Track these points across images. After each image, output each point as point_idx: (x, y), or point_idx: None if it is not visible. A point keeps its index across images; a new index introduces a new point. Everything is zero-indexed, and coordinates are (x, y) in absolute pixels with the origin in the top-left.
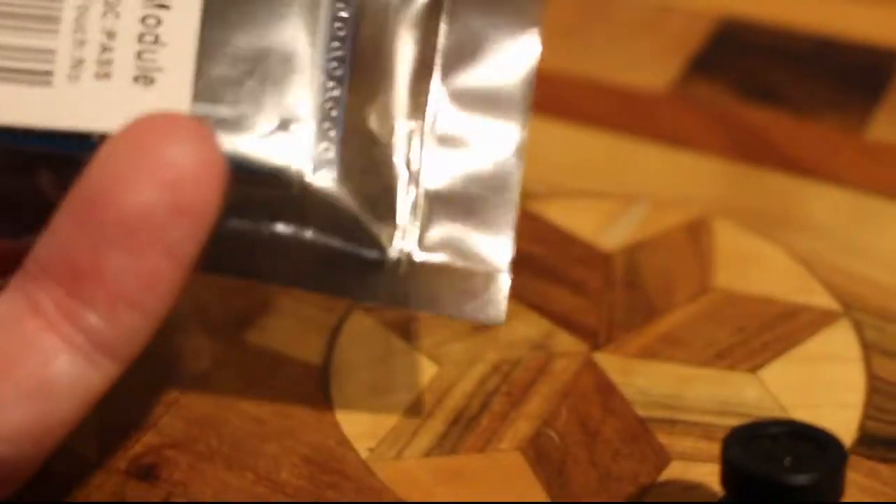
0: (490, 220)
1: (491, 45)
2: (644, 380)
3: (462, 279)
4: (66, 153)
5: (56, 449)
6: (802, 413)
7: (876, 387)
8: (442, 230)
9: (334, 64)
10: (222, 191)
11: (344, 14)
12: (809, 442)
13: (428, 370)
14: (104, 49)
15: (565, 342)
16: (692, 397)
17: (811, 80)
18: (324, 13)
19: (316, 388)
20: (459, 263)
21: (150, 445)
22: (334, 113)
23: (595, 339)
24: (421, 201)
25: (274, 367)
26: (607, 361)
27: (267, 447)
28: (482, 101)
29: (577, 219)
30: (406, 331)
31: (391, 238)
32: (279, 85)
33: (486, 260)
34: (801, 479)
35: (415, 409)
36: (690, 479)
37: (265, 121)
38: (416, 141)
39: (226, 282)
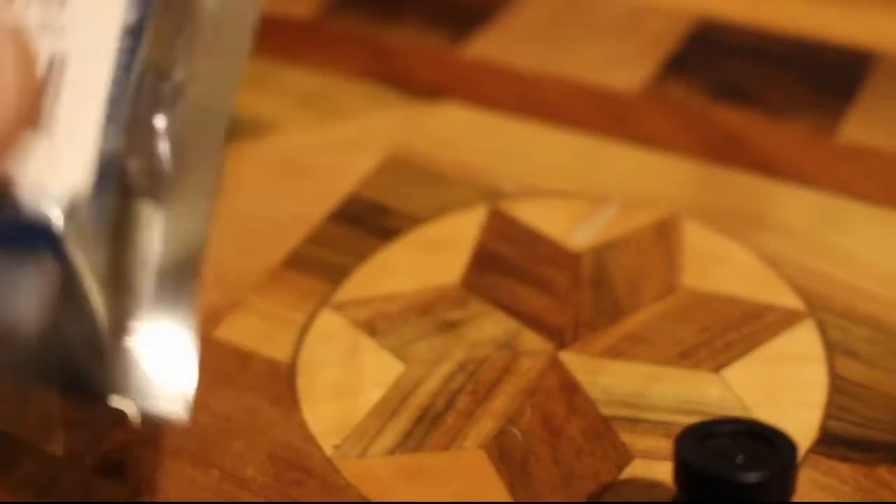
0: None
1: None
2: (609, 379)
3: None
4: None
5: None
6: (765, 412)
7: (838, 386)
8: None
9: None
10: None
11: None
12: (762, 441)
13: (394, 368)
14: None
15: (531, 341)
16: (656, 396)
17: (785, 81)
18: None
19: (283, 385)
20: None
21: (118, 442)
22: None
23: (561, 338)
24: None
25: (242, 364)
26: (572, 360)
27: (233, 444)
28: None
29: (546, 218)
30: (373, 329)
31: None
32: None
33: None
34: (751, 476)
35: (380, 407)
36: (651, 477)
37: None
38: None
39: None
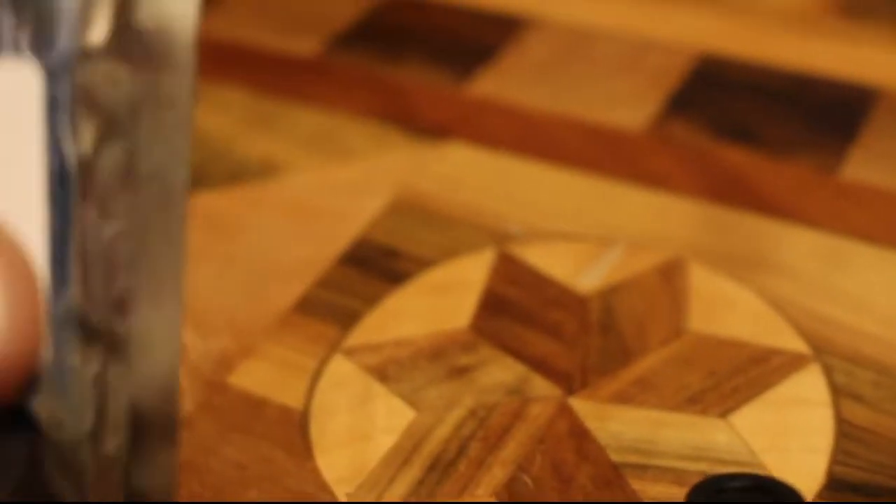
0: None
1: None
2: (617, 425)
3: None
4: None
5: None
6: (772, 458)
7: (844, 431)
8: None
9: None
10: None
11: None
12: (771, 495)
13: (406, 415)
14: None
15: (540, 387)
16: (664, 442)
17: (786, 118)
18: None
19: (296, 432)
20: None
21: None
22: None
23: (570, 383)
24: None
25: (255, 411)
26: (582, 406)
27: (248, 493)
28: None
29: (553, 261)
30: (384, 375)
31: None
32: None
33: None
34: None
35: (393, 454)
36: None
37: None
38: None
39: (206, 323)
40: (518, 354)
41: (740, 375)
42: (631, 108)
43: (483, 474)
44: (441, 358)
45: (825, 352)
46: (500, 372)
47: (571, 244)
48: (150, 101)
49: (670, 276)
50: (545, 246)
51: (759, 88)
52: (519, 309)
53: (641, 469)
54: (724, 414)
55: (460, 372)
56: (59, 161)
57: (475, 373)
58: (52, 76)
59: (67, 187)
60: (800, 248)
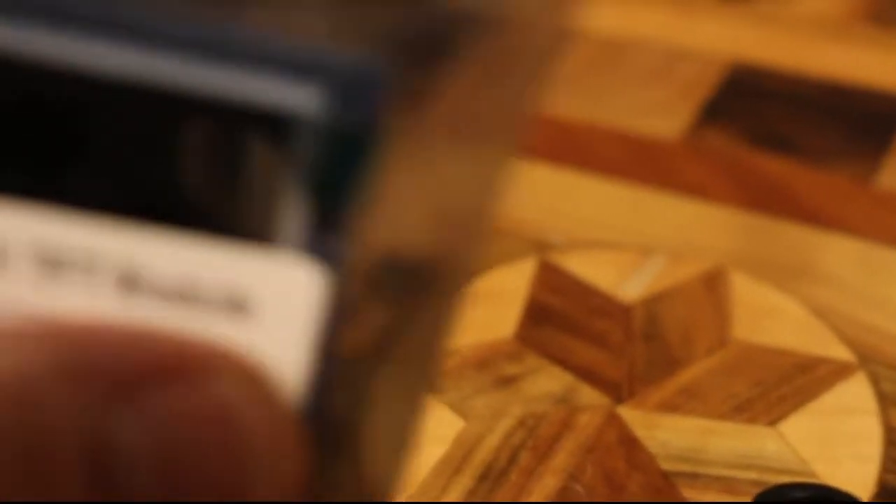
0: None
1: None
2: (666, 433)
3: None
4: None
5: None
6: (822, 467)
7: (892, 439)
8: None
9: None
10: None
11: None
12: None
13: (455, 424)
14: None
15: (588, 396)
16: (713, 451)
17: (821, 127)
18: None
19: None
20: None
21: None
22: None
23: (617, 392)
24: None
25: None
26: (630, 415)
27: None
28: None
29: (596, 270)
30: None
31: None
32: None
33: None
34: None
35: (443, 463)
36: None
37: None
38: None
39: None
40: (564, 363)
41: (787, 384)
42: (665, 118)
43: (534, 483)
44: (488, 367)
45: (871, 360)
46: (547, 381)
47: (612, 253)
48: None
49: (713, 284)
50: (586, 255)
51: (792, 97)
52: (563, 318)
53: (692, 477)
54: (772, 422)
55: (507, 381)
56: (325, 368)
57: (522, 382)
58: (333, 280)
59: (328, 392)
60: (840, 256)
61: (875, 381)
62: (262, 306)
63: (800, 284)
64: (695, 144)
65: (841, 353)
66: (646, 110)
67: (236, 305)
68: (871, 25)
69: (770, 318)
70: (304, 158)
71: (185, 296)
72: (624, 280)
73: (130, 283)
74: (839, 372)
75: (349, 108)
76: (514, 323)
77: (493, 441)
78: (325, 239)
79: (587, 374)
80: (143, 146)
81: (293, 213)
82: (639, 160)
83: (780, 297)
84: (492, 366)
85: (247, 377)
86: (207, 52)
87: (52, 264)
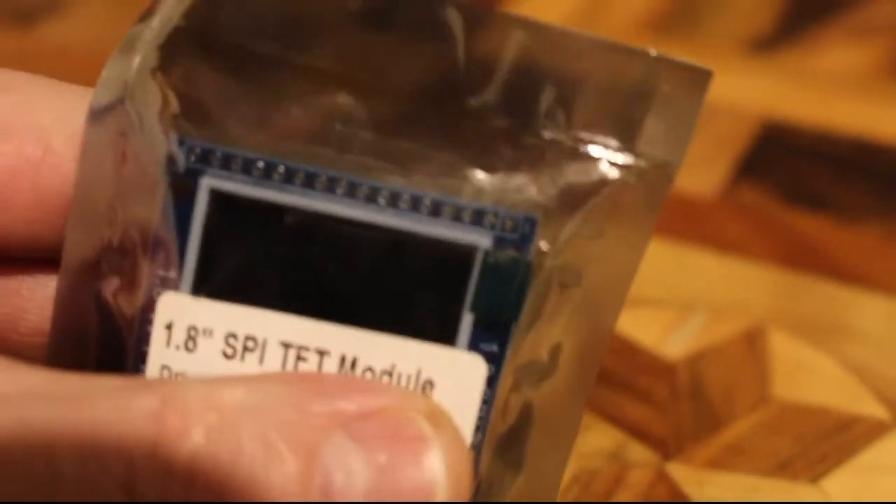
0: None
1: None
2: (714, 490)
3: None
4: None
5: None
6: None
7: None
8: None
9: None
10: None
11: None
12: None
13: None
14: None
15: (638, 452)
16: None
17: (851, 184)
18: None
19: None
20: None
21: None
22: None
23: (666, 449)
24: None
25: None
26: (679, 472)
27: None
28: None
29: (639, 328)
30: None
31: None
32: None
33: None
34: None
35: None
36: None
37: None
38: None
39: None
40: (614, 420)
41: (827, 441)
42: (701, 174)
43: None
44: None
45: None
46: (599, 438)
47: (655, 310)
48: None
49: (753, 343)
50: (629, 312)
51: (823, 153)
52: (611, 375)
53: None
54: (814, 479)
55: None
56: (482, 436)
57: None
58: (492, 374)
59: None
60: (874, 313)
61: None
62: (444, 389)
63: (834, 341)
64: (731, 200)
65: (877, 410)
66: (682, 166)
67: (423, 387)
68: (893, 80)
69: (807, 375)
70: (479, 284)
71: (388, 378)
72: (667, 337)
73: (350, 365)
74: (876, 430)
75: (511, 248)
76: None
77: None
78: (489, 343)
79: (636, 431)
80: (385, 276)
81: (468, 322)
82: (676, 216)
83: (816, 354)
84: None
85: (442, 417)
86: (424, 210)
87: (295, 354)
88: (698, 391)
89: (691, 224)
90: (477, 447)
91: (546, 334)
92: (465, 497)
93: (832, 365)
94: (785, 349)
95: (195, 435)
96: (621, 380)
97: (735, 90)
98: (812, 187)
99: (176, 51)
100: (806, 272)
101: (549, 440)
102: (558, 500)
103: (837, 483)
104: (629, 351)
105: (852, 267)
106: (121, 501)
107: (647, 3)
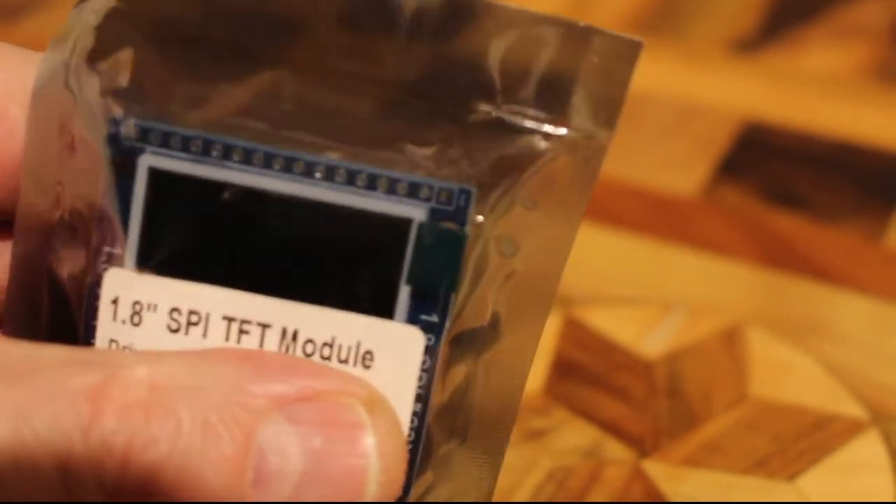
0: None
1: None
2: (690, 488)
3: None
4: None
5: None
6: None
7: None
8: None
9: None
10: None
11: None
12: None
13: None
14: None
15: (615, 450)
16: None
17: (831, 184)
18: None
19: None
20: None
21: None
22: None
23: (642, 446)
24: None
25: None
26: (655, 469)
27: None
28: None
29: (618, 326)
30: None
31: None
32: None
33: None
34: None
35: None
36: None
37: None
38: None
39: None
40: (591, 418)
41: (804, 440)
42: (682, 174)
43: None
44: (518, 420)
45: (883, 417)
46: (575, 435)
47: (633, 309)
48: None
49: (731, 341)
50: (608, 311)
51: (803, 154)
52: (588, 373)
53: None
54: (790, 477)
55: (536, 435)
56: (422, 407)
57: (551, 436)
58: (430, 344)
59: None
60: (852, 313)
61: (887, 438)
62: (383, 360)
63: (813, 341)
64: (711, 200)
65: (854, 410)
66: (663, 166)
67: (363, 359)
68: (879, 83)
69: (785, 374)
70: (415, 255)
71: (328, 350)
72: (645, 336)
73: (291, 338)
74: (852, 429)
75: (446, 220)
76: (542, 377)
77: (523, 494)
78: (427, 314)
79: (613, 429)
80: (324, 250)
81: (406, 293)
82: (657, 216)
83: (794, 353)
84: (522, 419)
85: (377, 399)
86: (360, 184)
87: (237, 327)
88: (676, 389)
89: (672, 223)
90: (419, 415)
91: (485, 304)
92: (397, 484)
93: (810, 364)
94: (763, 348)
95: (134, 415)
96: (599, 377)
97: (717, 91)
98: (792, 188)
99: (114, 31)
100: (785, 272)
101: (492, 407)
102: (532, 499)
103: (814, 481)
104: (607, 349)
105: (831, 267)
106: (55, 479)
107: (631, 3)
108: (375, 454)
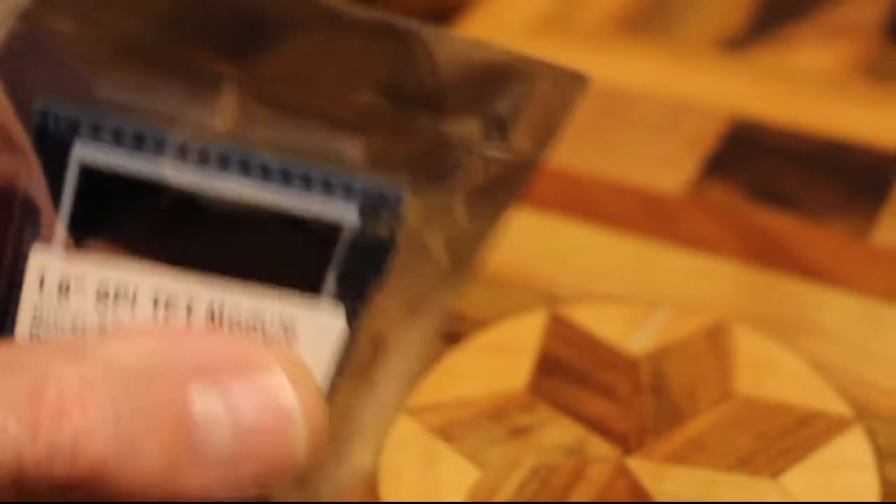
0: None
1: None
2: (673, 485)
3: None
4: None
5: None
6: None
7: (890, 493)
8: None
9: None
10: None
11: None
12: None
13: (471, 474)
14: None
15: (598, 447)
16: (720, 501)
17: (818, 182)
18: None
19: (369, 493)
20: None
21: None
22: None
23: (626, 444)
24: None
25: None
26: (639, 466)
27: None
28: None
29: (604, 323)
30: (448, 435)
31: None
32: None
33: None
34: None
35: None
36: None
37: None
38: None
39: None
40: (575, 415)
41: (788, 437)
42: (669, 171)
43: None
44: (502, 418)
45: (867, 414)
46: (559, 432)
47: (619, 306)
48: None
49: (716, 339)
50: (594, 308)
51: (791, 152)
52: (573, 370)
53: None
54: (774, 475)
55: (521, 432)
56: (338, 376)
57: (535, 433)
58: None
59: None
60: (838, 311)
61: (872, 436)
62: (305, 335)
63: (798, 338)
64: (699, 198)
65: (839, 407)
66: (651, 164)
67: (287, 333)
68: (868, 81)
69: (771, 371)
70: (345, 253)
71: (254, 325)
72: (630, 333)
73: (216, 315)
74: (837, 426)
75: (376, 218)
76: (527, 374)
77: (507, 492)
78: (351, 299)
79: (597, 426)
80: (255, 247)
81: (334, 279)
82: (644, 213)
83: (780, 350)
84: (506, 416)
85: (300, 370)
86: (295, 183)
87: (165, 303)
88: (661, 386)
89: (659, 221)
90: (332, 384)
91: (404, 287)
92: (323, 443)
93: (795, 361)
94: (748, 345)
95: (73, 412)
96: (584, 375)
97: (705, 89)
98: (780, 185)
99: (42, 19)
100: (772, 269)
101: (397, 369)
102: (515, 497)
103: (798, 479)
104: (593, 346)
105: (818, 264)
106: (8, 488)
107: (620, 2)
108: (301, 418)
